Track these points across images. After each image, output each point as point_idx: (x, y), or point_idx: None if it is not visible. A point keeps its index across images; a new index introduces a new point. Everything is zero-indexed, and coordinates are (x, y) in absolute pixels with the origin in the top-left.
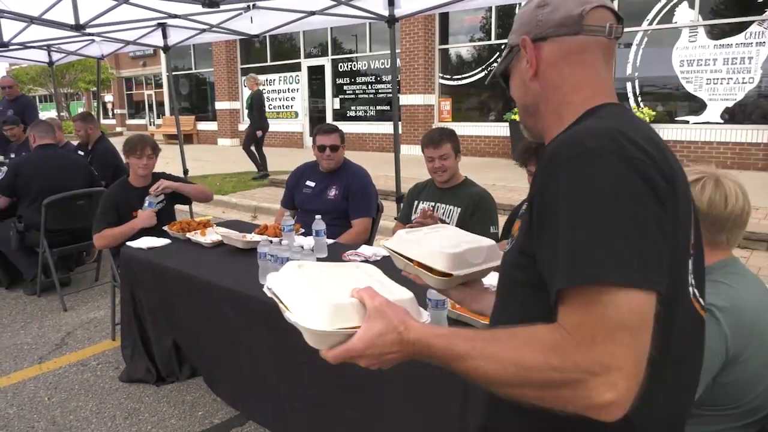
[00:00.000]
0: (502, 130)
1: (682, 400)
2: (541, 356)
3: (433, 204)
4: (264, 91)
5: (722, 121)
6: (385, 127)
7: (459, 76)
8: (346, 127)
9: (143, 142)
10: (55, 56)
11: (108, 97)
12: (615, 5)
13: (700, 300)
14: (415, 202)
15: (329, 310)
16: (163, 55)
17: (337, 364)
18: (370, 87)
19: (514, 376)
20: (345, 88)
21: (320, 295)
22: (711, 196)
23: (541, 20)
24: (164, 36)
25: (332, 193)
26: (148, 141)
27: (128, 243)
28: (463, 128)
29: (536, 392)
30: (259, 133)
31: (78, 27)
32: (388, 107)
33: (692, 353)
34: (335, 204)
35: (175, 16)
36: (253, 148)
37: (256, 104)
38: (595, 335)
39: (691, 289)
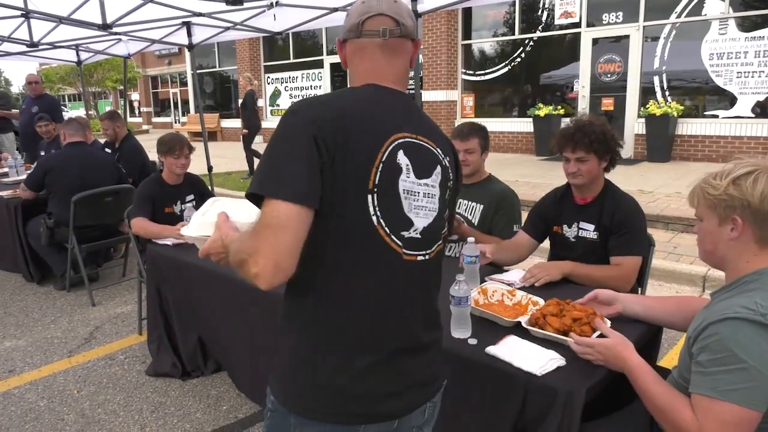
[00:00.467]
0: (525, 125)
1: (379, 314)
2: (237, 244)
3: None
4: (287, 89)
5: (753, 116)
6: None
7: (482, 72)
8: None
9: (180, 143)
10: (84, 55)
11: (134, 96)
12: None
13: (398, 235)
14: None
15: (196, 226)
16: (187, 54)
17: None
18: None
19: (233, 260)
20: None
21: (201, 218)
22: (764, 190)
23: (344, 27)
24: (189, 34)
25: None
26: (185, 141)
27: (154, 240)
28: (486, 124)
29: (235, 266)
30: (245, 132)
31: (105, 26)
32: None
33: (388, 278)
34: None
35: (200, 15)
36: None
37: (249, 104)
38: (256, 229)
39: (374, 218)
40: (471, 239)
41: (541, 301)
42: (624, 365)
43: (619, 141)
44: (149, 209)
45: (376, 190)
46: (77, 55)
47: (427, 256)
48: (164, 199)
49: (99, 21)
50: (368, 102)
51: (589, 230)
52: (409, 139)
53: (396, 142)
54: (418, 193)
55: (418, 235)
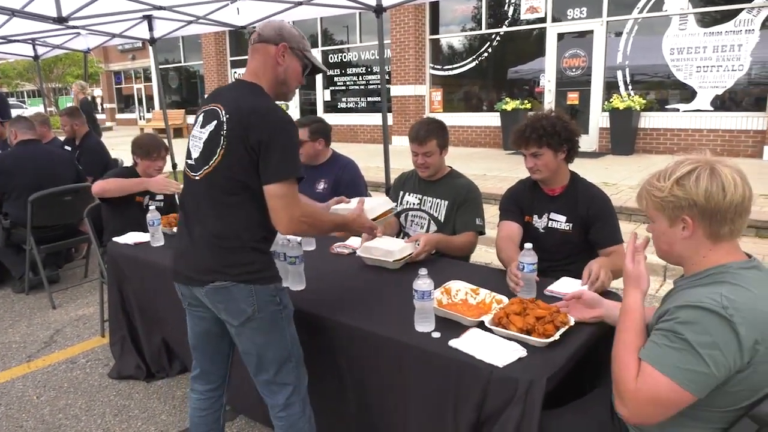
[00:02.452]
0: (493, 120)
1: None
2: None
3: (419, 196)
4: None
5: (712, 109)
6: (376, 119)
7: (450, 66)
8: (337, 118)
9: (157, 146)
10: (41, 50)
11: (97, 92)
12: None
13: (188, 162)
14: (401, 193)
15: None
16: (151, 48)
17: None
18: (360, 78)
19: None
20: (336, 79)
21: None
22: (707, 187)
23: None
24: (150, 28)
25: (321, 186)
26: (161, 144)
27: (114, 239)
28: (454, 118)
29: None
30: None
31: (61, 20)
32: (379, 98)
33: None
34: (323, 197)
35: (161, 8)
36: None
37: (86, 112)
38: None
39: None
40: (528, 245)
41: (505, 300)
42: (625, 298)
43: (575, 131)
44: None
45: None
46: (34, 49)
47: (197, 176)
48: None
49: (54, 14)
50: (217, 90)
51: (560, 221)
52: (209, 107)
53: (203, 109)
54: (197, 137)
55: (194, 162)
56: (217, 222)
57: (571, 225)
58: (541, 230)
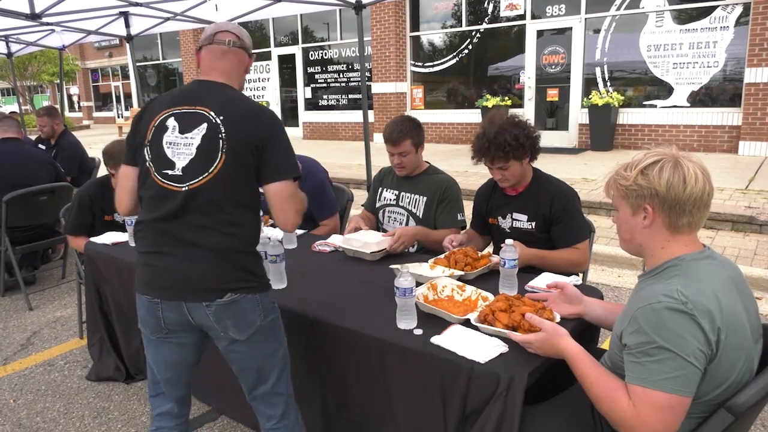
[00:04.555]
0: (474, 116)
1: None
2: None
3: (396, 192)
4: None
5: (688, 105)
6: (358, 116)
7: (431, 63)
8: (318, 116)
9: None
10: (14, 47)
11: (73, 90)
12: None
13: (161, 173)
14: (380, 189)
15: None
16: (128, 45)
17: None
18: (342, 75)
19: None
20: (317, 77)
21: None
22: (669, 178)
23: (201, 39)
24: (127, 25)
25: None
26: None
27: (92, 239)
28: (435, 115)
29: None
30: None
31: (34, 16)
32: (360, 96)
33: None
34: None
35: (137, 4)
36: None
37: None
38: None
39: (147, 162)
40: (509, 240)
41: (491, 296)
42: (563, 354)
43: (536, 134)
44: (88, 219)
45: (148, 143)
46: (7, 46)
47: (187, 187)
48: (104, 206)
49: (27, 10)
50: (174, 91)
51: (522, 221)
52: (185, 110)
53: (168, 113)
54: (180, 143)
55: (180, 173)
56: (219, 233)
57: (533, 224)
58: (507, 230)
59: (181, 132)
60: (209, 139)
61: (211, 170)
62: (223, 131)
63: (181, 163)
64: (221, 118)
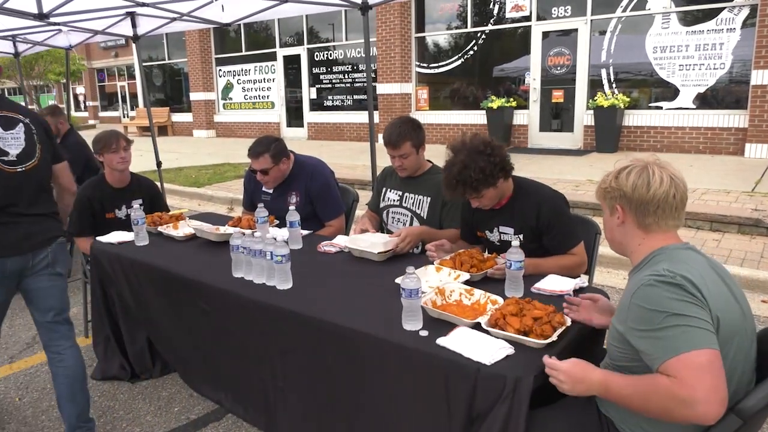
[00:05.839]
0: (479, 117)
1: None
2: None
3: (399, 193)
4: (239, 82)
5: (694, 107)
6: (363, 117)
7: (436, 65)
8: (323, 117)
9: (115, 135)
10: (21, 47)
11: (79, 89)
12: None
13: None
14: (383, 189)
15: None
16: (134, 45)
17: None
18: (347, 76)
19: None
20: (322, 77)
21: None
22: (634, 181)
23: None
24: (134, 25)
25: (293, 199)
26: (119, 134)
27: (98, 238)
28: (440, 116)
29: None
30: None
31: (42, 16)
32: (365, 96)
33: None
34: (299, 210)
35: (144, 5)
36: None
37: None
38: None
39: None
40: (515, 243)
41: (501, 300)
42: (590, 386)
43: (502, 154)
44: (90, 220)
45: None
46: (14, 46)
47: (23, 168)
48: (105, 204)
49: (35, 10)
50: None
51: (509, 233)
52: (6, 115)
53: None
54: (7, 138)
55: (15, 158)
56: (51, 201)
57: (521, 236)
58: (497, 243)
59: (4, 129)
60: (29, 132)
61: (36, 157)
62: (34, 130)
63: (14, 151)
64: (28, 119)
